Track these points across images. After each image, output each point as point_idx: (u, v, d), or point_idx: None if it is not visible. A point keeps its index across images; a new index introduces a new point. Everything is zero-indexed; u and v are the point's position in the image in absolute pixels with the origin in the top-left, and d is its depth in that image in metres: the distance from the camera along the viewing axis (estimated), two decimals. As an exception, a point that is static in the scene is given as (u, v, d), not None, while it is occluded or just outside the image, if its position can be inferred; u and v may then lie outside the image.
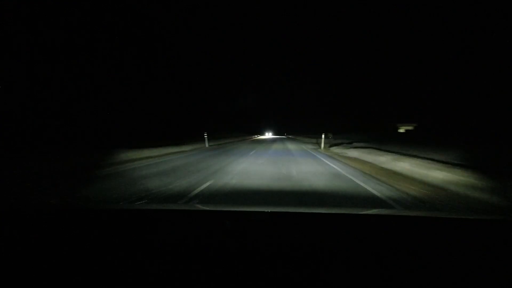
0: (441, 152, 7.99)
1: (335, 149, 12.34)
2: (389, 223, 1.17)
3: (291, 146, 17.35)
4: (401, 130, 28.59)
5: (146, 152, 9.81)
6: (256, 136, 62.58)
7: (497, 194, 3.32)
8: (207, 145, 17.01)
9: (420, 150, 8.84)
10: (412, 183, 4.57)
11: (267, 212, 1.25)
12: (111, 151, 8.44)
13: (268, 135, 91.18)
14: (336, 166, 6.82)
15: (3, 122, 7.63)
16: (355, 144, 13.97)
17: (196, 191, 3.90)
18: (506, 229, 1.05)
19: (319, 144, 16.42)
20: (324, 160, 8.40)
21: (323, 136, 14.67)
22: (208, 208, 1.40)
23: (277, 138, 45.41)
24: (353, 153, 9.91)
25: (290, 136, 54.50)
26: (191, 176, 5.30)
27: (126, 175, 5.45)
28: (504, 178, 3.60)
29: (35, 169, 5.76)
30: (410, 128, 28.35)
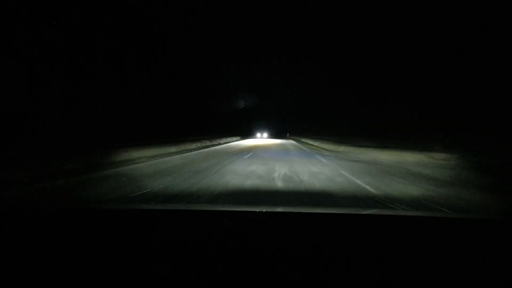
0: None
1: None
2: (388, 223, 1.17)
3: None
4: None
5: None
6: (232, 140, 29.31)
7: None
8: None
9: None
10: None
11: (267, 212, 1.25)
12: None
13: (262, 137, 52.28)
14: None
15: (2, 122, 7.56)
16: None
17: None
18: (506, 229, 1.05)
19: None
20: None
21: None
22: (208, 208, 1.41)
23: (273, 144, 20.58)
24: None
25: (302, 140, 26.39)
26: None
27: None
28: None
29: (37, 170, 5.67)
30: None
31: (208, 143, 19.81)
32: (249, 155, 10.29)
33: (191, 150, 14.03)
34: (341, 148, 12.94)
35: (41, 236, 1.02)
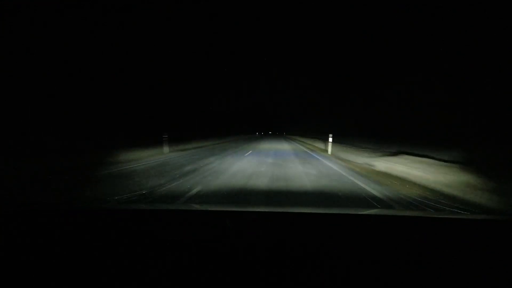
0: None
1: None
2: (388, 223, 1.17)
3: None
4: None
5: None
6: None
7: None
8: None
9: None
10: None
11: (268, 212, 1.25)
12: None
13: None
14: None
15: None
16: None
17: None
18: (506, 229, 1.05)
19: None
20: None
21: None
22: (208, 209, 1.41)
23: None
24: None
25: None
26: None
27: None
28: None
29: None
30: None
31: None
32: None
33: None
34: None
35: (40, 236, 1.02)
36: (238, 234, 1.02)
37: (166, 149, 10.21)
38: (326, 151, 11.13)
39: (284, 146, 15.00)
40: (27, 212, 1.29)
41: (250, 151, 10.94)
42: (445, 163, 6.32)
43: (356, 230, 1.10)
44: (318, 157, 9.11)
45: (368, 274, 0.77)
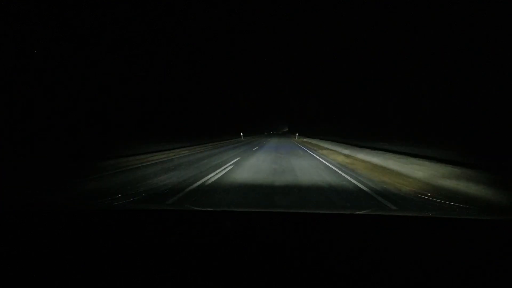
0: None
1: None
2: (388, 224, 1.17)
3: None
4: None
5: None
6: None
7: None
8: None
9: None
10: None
11: (266, 212, 1.25)
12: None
13: None
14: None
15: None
16: None
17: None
18: (506, 229, 1.05)
19: None
20: None
21: None
22: (208, 209, 1.41)
23: None
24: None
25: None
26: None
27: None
28: None
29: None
30: None
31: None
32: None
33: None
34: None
35: (40, 236, 1.02)
36: (237, 235, 1.02)
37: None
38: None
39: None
40: (27, 212, 1.28)
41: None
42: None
43: (356, 230, 1.10)
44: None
45: (368, 274, 0.77)
